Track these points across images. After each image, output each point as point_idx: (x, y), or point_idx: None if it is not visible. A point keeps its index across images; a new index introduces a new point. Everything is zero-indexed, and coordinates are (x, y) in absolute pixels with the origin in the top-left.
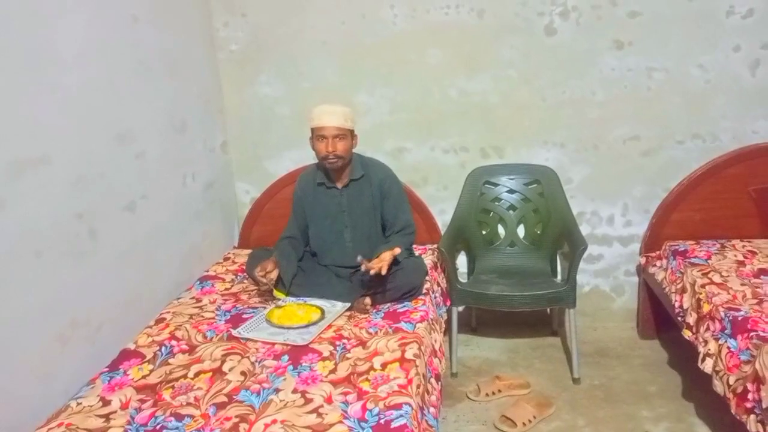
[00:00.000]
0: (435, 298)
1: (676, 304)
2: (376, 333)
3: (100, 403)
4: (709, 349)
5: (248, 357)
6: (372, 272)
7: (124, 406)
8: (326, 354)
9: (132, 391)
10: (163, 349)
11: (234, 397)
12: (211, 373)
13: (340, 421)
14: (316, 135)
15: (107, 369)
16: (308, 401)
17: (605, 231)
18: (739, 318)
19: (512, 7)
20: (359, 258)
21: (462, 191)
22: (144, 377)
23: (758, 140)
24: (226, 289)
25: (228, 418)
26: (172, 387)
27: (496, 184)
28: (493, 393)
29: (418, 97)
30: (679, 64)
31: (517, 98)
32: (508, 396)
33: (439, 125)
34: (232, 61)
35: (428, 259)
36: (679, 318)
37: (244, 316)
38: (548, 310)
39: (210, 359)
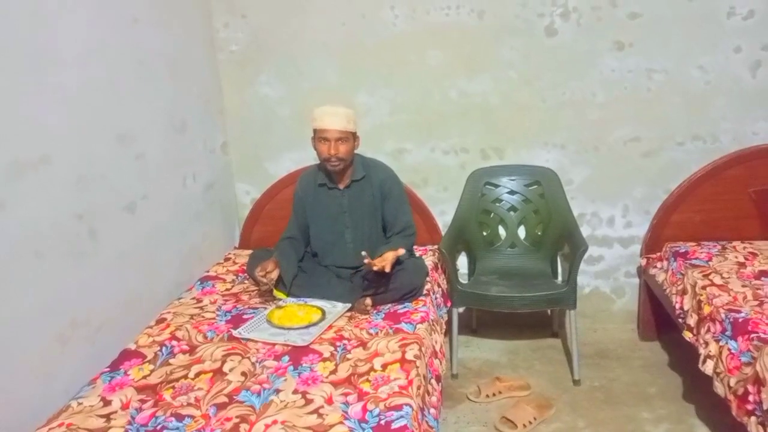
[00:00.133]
0: (435, 299)
1: (677, 306)
2: (377, 334)
3: (101, 403)
4: (710, 351)
5: (249, 357)
6: (375, 269)
7: (125, 407)
8: (327, 355)
9: (133, 391)
10: (164, 349)
11: (234, 397)
12: (211, 374)
13: (341, 422)
14: (319, 137)
15: (108, 369)
16: (309, 402)
17: (606, 232)
18: (740, 320)
19: (512, 8)
20: (363, 254)
21: (463, 192)
22: (145, 377)
23: (758, 142)
24: (227, 289)
25: (228, 419)
26: (173, 387)
27: (496, 185)
28: (494, 394)
29: (419, 98)
30: (680, 66)
31: (518, 99)
32: (509, 397)
33: (440, 126)
34: (233, 62)
35: (429, 260)
36: (680, 319)
37: (245, 316)
38: (549, 311)
39: (210, 360)
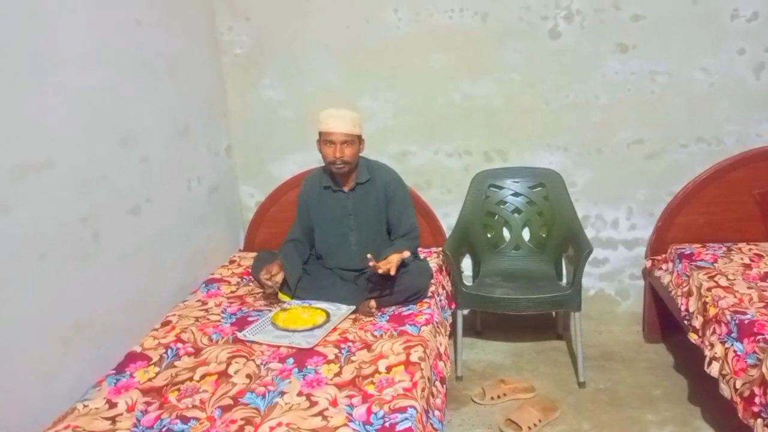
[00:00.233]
0: (440, 301)
1: (682, 308)
2: (381, 336)
3: (107, 406)
4: (716, 353)
5: (254, 360)
6: (380, 271)
7: (130, 409)
8: (331, 357)
9: (138, 393)
10: (169, 351)
11: (239, 399)
12: (216, 376)
13: (345, 424)
14: (324, 139)
15: (113, 371)
16: (313, 404)
17: (610, 234)
18: (746, 321)
19: (516, 11)
20: (368, 256)
21: (467, 194)
22: (150, 380)
23: (762, 144)
24: (232, 292)
25: (233, 421)
26: (178, 390)
27: (500, 188)
28: (498, 396)
29: (422, 101)
30: (683, 68)
31: (521, 102)
32: (513, 399)
33: (443, 129)
34: (236, 65)
35: (433, 263)
36: (685, 321)
37: (250, 318)
38: (553, 313)
39: (216, 362)
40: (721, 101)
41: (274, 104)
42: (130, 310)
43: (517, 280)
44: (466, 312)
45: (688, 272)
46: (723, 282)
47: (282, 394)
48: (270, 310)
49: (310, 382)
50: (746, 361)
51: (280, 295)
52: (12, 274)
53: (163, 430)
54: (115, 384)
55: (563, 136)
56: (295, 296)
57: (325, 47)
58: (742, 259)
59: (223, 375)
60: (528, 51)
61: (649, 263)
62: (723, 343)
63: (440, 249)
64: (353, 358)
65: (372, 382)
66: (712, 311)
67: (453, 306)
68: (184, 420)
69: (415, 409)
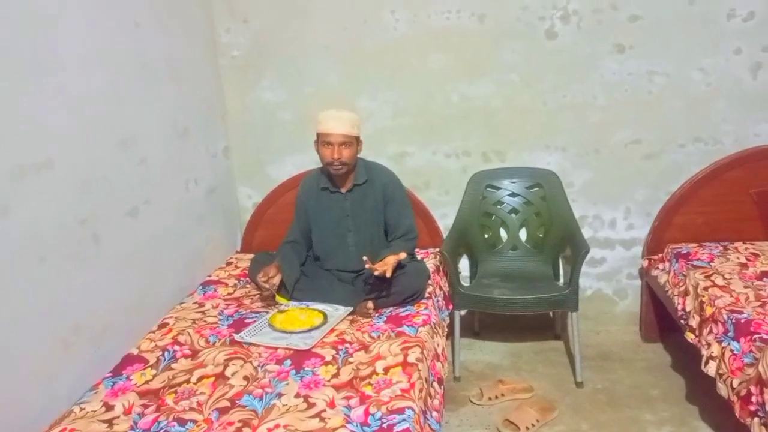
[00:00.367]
0: (437, 301)
1: (679, 307)
2: (379, 337)
3: (104, 408)
4: (713, 352)
5: (251, 362)
6: (376, 273)
7: (127, 411)
8: (329, 358)
9: (135, 396)
10: (166, 353)
11: (237, 401)
12: (213, 378)
13: (343, 426)
14: (322, 140)
15: (110, 374)
16: (311, 406)
17: (607, 234)
18: (742, 321)
19: (513, 12)
20: (364, 258)
21: (464, 195)
22: (147, 382)
23: (760, 143)
24: (229, 293)
25: (231, 423)
26: (175, 392)
27: (498, 188)
28: (496, 397)
29: (420, 102)
30: (680, 68)
31: (519, 102)
32: (511, 400)
33: (441, 129)
34: (234, 67)
35: (430, 263)
36: (682, 321)
37: (247, 320)
38: (551, 313)
39: (213, 364)
40: (718, 101)
41: (273, 106)
42: (129, 312)
43: (514, 281)
44: (463, 312)
45: (685, 272)
46: (719, 281)
47: (279, 395)
48: (267, 312)
49: (307, 383)
50: (743, 360)
51: (278, 297)
52: (12, 276)
53: None
54: (112, 387)
55: (561, 136)
56: (292, 298)
57: (324, 48)
58: (738, 258)
59: (221, 377)
60: (526, 51)
61: (646, 263)
62: (720, 342)
63: (438, 250)
64: (351, 360)
65: (369, 384)
66: (708, 311)
67: (450, 307)
68: (182, 422)
69: (412, 410)
